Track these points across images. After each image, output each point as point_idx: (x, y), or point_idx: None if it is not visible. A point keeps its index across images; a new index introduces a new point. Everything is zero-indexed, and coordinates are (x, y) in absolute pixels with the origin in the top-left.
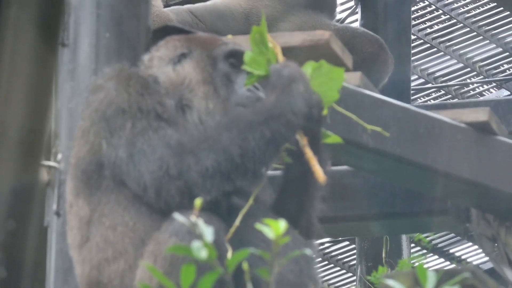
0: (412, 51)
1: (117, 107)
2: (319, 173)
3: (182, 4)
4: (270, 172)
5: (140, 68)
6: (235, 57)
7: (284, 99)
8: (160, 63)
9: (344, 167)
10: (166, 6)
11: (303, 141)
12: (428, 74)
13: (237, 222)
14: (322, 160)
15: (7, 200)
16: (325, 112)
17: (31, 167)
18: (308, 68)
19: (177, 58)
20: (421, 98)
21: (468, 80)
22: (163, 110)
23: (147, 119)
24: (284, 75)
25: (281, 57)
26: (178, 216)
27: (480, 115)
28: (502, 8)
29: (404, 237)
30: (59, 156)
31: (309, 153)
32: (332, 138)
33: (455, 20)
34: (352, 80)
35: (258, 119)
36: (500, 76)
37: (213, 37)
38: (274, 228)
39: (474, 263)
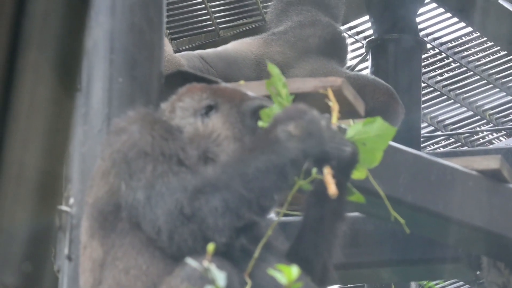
0: (422, 99)
1: (140, 150)
2: (332, 188)
3: (193, 50)
4: (284, 219)
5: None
6: None
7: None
8: (183, 113)
9: (355, 213)
10: (177, 51)
11: (327, 170)
12: (438, 122)
13: (251, 265)
14: (341, 209)
15: (24, 242)
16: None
17: (48, 209)
18: (359, 124)
19: (203, 110)
20: (431, 145)
21: (478, 128)
22: (185, 156)
23: (169, 163)
24: (287, 113)
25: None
26: (190, 261)
27: (492, 162)
28: None
29: (413, 285)
30: (71, 200)
31: (328, 178)
32: (356, 196)
33: (465, 68)
34: None
35: (254, 153)
36: (510, 124)
37: (238, 91)
38: (287, 274)
39: None
